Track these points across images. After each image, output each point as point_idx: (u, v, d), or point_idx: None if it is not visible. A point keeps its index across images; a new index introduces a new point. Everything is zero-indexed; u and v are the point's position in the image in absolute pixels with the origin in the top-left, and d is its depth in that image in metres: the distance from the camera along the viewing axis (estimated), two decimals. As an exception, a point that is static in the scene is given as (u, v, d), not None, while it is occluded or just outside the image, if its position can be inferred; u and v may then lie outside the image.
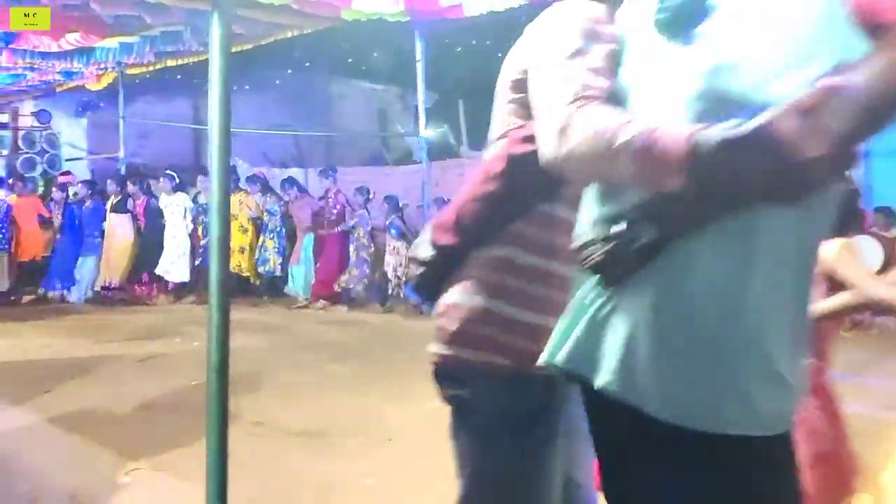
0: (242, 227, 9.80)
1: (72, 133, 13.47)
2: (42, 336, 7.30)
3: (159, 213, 10.13)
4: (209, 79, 2.22)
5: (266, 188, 10.20)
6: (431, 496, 3.32)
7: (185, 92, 12.69)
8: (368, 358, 6.40)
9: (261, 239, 9.90)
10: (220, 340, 2.23)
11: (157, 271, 10.01)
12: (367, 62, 12.83)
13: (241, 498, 2.45)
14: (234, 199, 9.18)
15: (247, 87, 12.05)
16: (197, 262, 9.79)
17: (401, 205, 9.69)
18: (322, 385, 5.37)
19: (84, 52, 9.15)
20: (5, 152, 12.51)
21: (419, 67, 10.00)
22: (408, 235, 9.07)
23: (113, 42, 8.88)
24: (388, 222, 9.38)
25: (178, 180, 10.15)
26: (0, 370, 5.79)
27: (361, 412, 4.65)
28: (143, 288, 10.16)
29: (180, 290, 10.03)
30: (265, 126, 12.37)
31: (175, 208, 10.01)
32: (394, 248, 9.22)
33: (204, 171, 9.73)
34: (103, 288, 10.07)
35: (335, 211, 9.61)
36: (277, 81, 12.81)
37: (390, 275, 9.23)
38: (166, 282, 10.08)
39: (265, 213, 9.93)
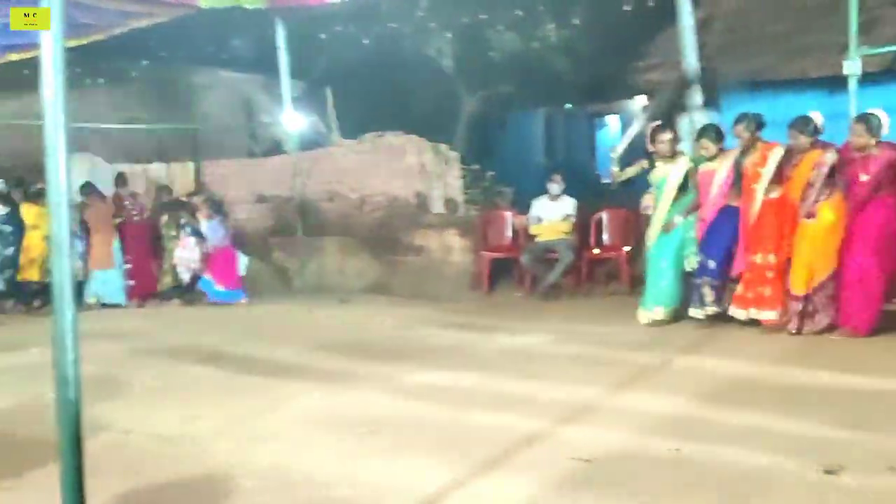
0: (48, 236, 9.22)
1: None
2: None
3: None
4: (42, 72, 2.10)
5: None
6: (307, 493, 3.29)
7: (34, 87, 11.89)
8: (233, 356, 6.24)
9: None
10: (67, 348, 2.14)
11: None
12: (229, 51, 12.46)
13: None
14: (35, 210, 8.81)
15: (101, 80, 11.46)
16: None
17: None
18: (188, 387, 5.20)
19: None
20: None
21: (282, 56, 9.81)
22: (202, 234, 9.15)
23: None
24: (183, 221, 9.20)
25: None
26: None
27: (233, 413, 4.53)
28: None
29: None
30: (123, 120, 11.81)
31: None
32: (186, 244, 9.11)
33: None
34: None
35: (135, 212, 9.44)
36: (134, 73, 12.23)
37: (181, 269, 9.10)
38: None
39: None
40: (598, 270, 8.82)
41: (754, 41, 8.88)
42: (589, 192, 13.27)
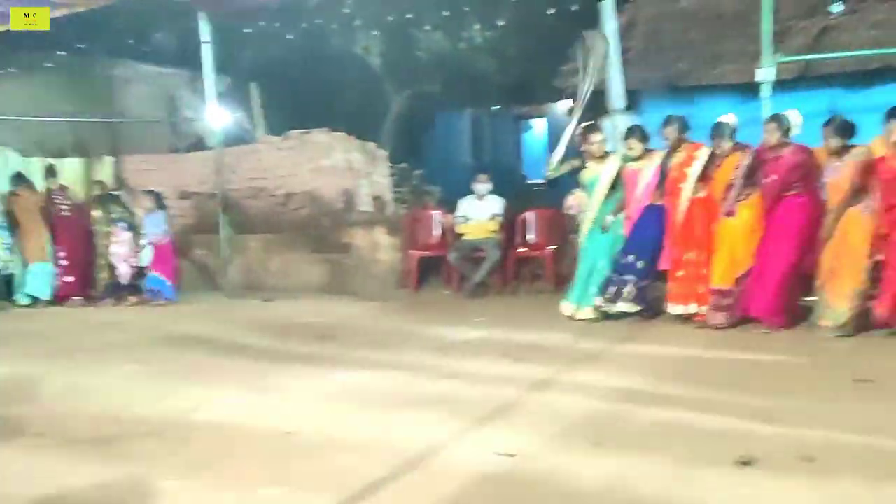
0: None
1: None
2: None
3: None
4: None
5: None
6: (232, 496, 3.25)
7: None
8: (154, 355, 6.12)
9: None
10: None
11: None
12: (152, 44, 12.15)
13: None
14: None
15: (12, 70, 11.02)
16: None
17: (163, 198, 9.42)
18: (110, 386, 5.07)
19: None
20: None
21: (206, 50, 9.63)
22: (137, 228, 8.99)
23: None
24: (115, 215, 9.02)
25: None
26: None
27: (155, 412, 4.44)
28: None
29: None
30: (39, 113, 11.38)
31: None
32: (119, 238, 8.94)
33: None
34: None
35: (64, 205, 9.22)
36: (50, 64, 11.79)
37: (119, 266, 8.92)
38: None
39: None
40: (523, 269, 8.94)
41: (674, 47, 9.11)
42: (515, 192, 13.42)
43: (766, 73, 7.16)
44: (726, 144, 6.22)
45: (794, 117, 6.08)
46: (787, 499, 3.02)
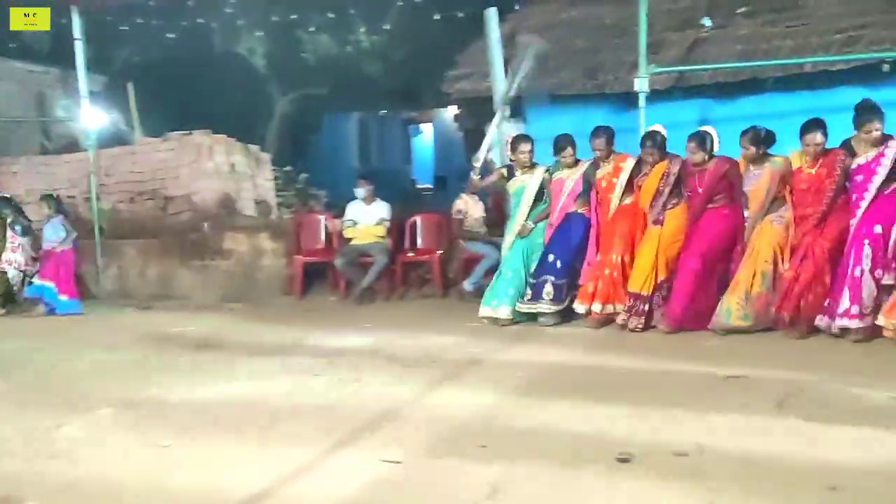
0: None
1: None
2: None
3: None
4: None
5: None
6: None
7: None
8: (29, 369, 5.79)
9: None
10: None
11: None
12: (19, 40, 11.50)
13: None
14: None
15: None
16: None
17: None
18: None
19: None
20: None
21: (79, 47, 9.18)
22: (32, 231, 8.61)
23: None
24: (10, 220, 8.55)
25: None
26: None
27: (26, 430, 4.18)
28: None
29: None
30: None
31: None
32: (15, 244, 8.50)
33: None
34: None
35: None
36: None
37: (11, 274, 8.46)
38: None
39: None
40: (412, 274, 8.95)
41: (556, 56, 9.34)
42: (404, 196, 13.42)
43: (641, 84, 7.43)
44: (657, 153, 6.37)
45: (713, 132, 6.25)
46: (664, 495, 3.12)
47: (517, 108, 9.05)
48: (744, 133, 6.08)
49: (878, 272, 5.51)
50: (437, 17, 9.73)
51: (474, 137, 8.52)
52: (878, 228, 5.56)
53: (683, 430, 3.83)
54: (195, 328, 7.25)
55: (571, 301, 6.56)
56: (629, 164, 6.55)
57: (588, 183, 6.72)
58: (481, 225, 8.41)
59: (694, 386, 4.68)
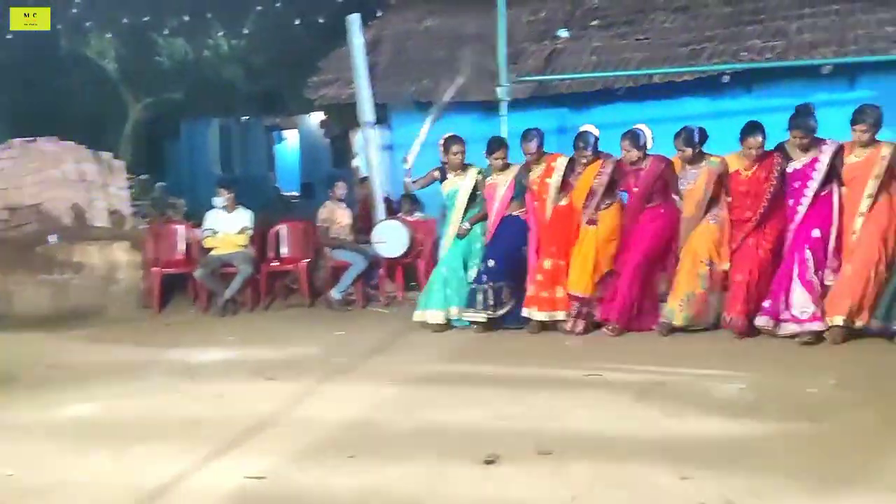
0: None
1: None
2: None
3: None
4: None
5: None
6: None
7: None
8: None
9: None
10: None
11: None
12: None
13: None
14: None
15: None
16: None
17: None
18: None
19: None
20: None
21: None
22: None
23: None
24: None
25: None
26: None
27: None
28: None
29: None
30: None
31: None
32: None
33: None
34: None
35: None
36: None
37: None
38: None
39: None
40: (277, 283, 8.75)
41: (419, 63, 9.42)
42: (268, 203, 13.14)
43: (502, 92, 7.60)
44: (589, 153, 6.31)
45: (646, 130, 6.23)
46: (529, 493, 3.19)
47: (382, 115, 9.06)
48: (676, 135, 6.08)
49: (820, 273, 5.65)
50: (297, 22, 9.58)
51: (341, 143, 8.44)
52: (816, 232, 5.69)
53: (547, 429, 3.93)
54: (45, 346, 6.79)
55: (517, 305, 6.43)
56: (561, 163, 6.45)
57: (521, 186, 6.61)
58: (349, 233, 8.34)
59: (557, 385, 4.81)
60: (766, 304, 5.70)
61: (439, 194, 7.12)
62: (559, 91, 8.46)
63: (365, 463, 3.56)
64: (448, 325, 6.60)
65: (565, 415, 4.18)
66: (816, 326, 5.53)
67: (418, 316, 6.70)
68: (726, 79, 7.79)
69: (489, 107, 8.14)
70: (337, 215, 8.35)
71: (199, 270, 8.17)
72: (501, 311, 6.44)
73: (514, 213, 6.65)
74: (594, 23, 9.38)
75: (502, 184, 6.67)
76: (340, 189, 8.51)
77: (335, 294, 7.93)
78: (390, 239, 7.74)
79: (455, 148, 6.76)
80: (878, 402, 4.22)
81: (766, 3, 8.77)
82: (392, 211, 8.56)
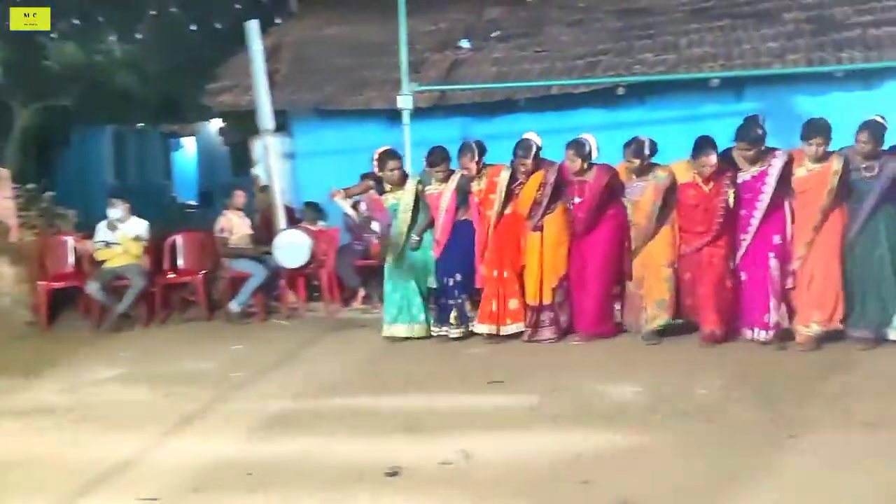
0: None
1: None
2: None
3: None
4: None
5: None
6: None
7: None
8: None
9: None
10: None
11: None
12: None
13: None
14: None
15: None
16: None
17: None
18: None
19: None
20: None
21: None
22: None
23: None
24: None
25: None
26: None
27: None
28: None
29: None
30: None
31: None
32: None
33: None
34: None
35: None
36: None
37: None
38: None
39: None
40: (173, 296, 8.46)
41: (320, 72, 9.32)
42: (165, 213, 12.73)
43: (404, 101, 7.60)
44: (529, 163, 6.18)
45: (591, 139, 6.13)
46: (431, 502, 3.18)
47: (282, 123, 8.92)
48: (626, 145, 6.07)
49: (786, 280, 5.73)
50: (194, 28, 9.33)
51: (241, 151, 8.25)
52: (776, 238, 5.77)
53: (449, 439, 3.93)
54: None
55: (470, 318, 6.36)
56: (504, 177, 6.27)
57: (463, 193, 6.45)
58: (248, 243, 8.15)
59: (459, 393, 4.83)
60: (765, 317, 5.69)
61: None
62: (461, 101, 8.53)
63: (260, 484, 3.49)
64: (411, 338, 6.44)
65: (467, 423, 4.18)
66: (784, 330, 5.63)
67: (385, 331, 6.53)
68: (621, 91, 8.01)
69: (392, 115, 8.13)
70: (236, 225, 8.16)
71: (91, 284, 7.82)
72: (466, 323, 6.38)
73: (463, 218, 6.49)
74: (494, 34, 9.52)
75: (444, 197, 6.49)
76: (239, 198, 8.31)
77: (234, 306, 7.73)
78: (291, 248, 7.61)
79: (391, 164, 6.48)
80: (760, 401, 4.41)
81: (655, 18, 9.10)
82: (293, 220, 8.43)
